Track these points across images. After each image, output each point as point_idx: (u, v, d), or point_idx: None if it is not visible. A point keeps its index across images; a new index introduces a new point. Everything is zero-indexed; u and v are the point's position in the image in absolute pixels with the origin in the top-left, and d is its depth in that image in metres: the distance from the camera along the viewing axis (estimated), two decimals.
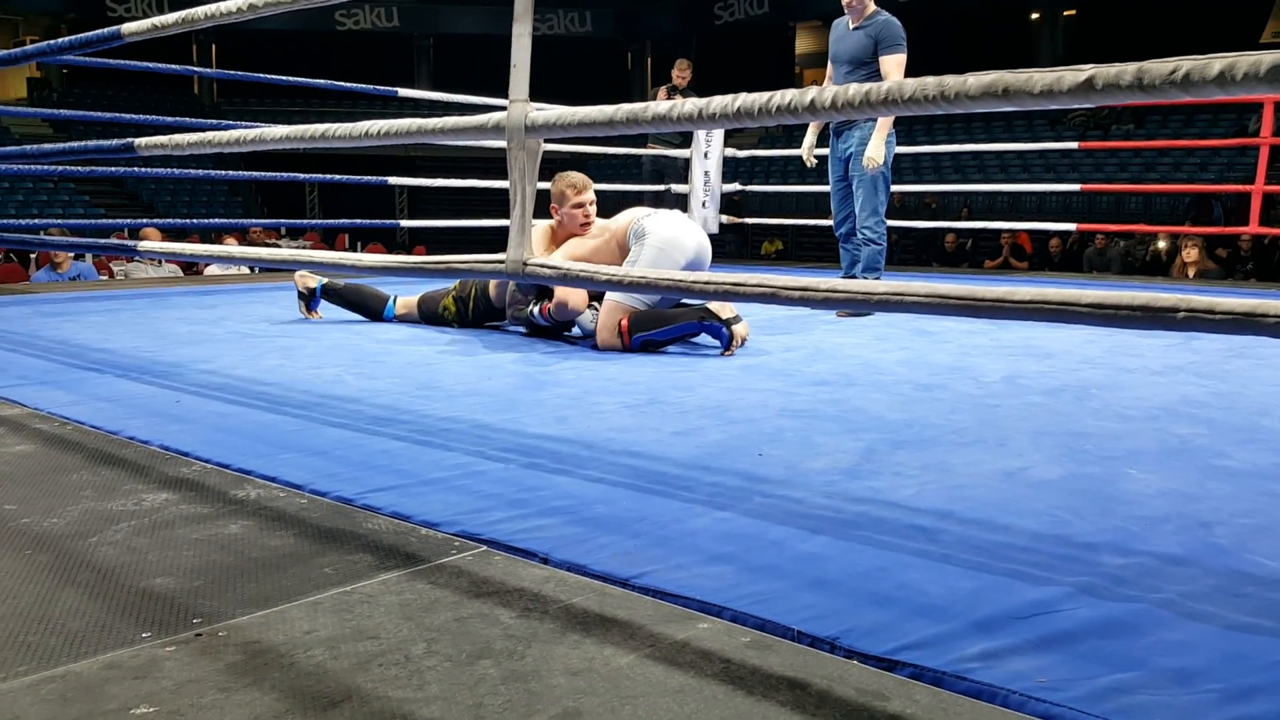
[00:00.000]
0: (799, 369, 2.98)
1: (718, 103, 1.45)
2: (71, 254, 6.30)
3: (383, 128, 1.86)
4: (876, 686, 1.04)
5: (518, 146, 1.69)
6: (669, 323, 3.23)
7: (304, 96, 21.21)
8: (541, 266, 1.70)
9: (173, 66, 5.08)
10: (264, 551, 1.41)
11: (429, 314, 3.90)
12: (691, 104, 1.47)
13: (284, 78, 5.70)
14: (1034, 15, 20.40)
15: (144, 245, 2.62)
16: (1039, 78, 1.16)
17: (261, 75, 5.68)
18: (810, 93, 1.34)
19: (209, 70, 6.07)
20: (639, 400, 2.49)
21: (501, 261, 1.74)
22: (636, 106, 1.56)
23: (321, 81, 5.56)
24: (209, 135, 2.20)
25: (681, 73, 7.73)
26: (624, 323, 3.23)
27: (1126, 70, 1.13)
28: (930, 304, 1.26)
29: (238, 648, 1.11)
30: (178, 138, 2.27)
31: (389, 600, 1.23)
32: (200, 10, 2.19)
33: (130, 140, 2.43)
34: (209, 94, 23.08)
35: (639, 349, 3.24)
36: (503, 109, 1.71)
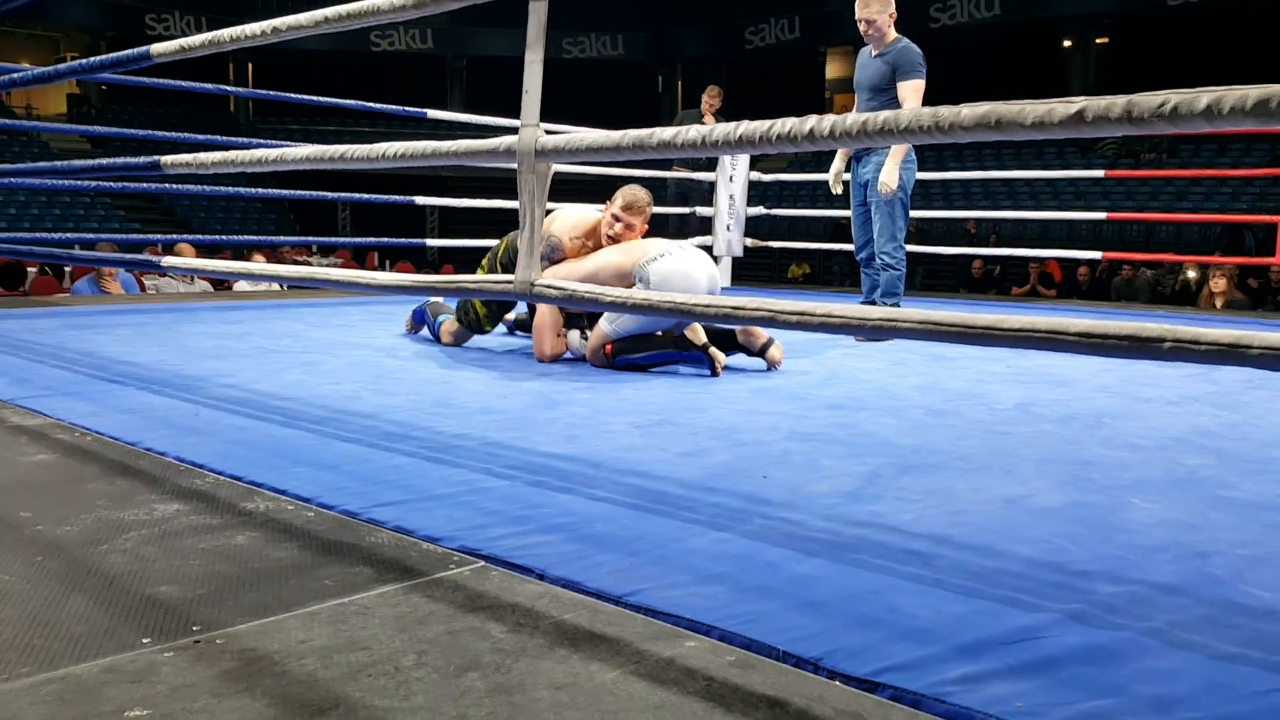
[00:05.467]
0: (813, 392, 2.99)
1: (721, 130, 1.47)
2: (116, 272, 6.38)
3: (398, 150, 1.90)
4: (855, 707, 1.05)
5: (528, 170, 1.72)
6: (648, 349, 3.33)
7: (339, 117, 21.50)
8: (548, 287, 1.73)
9: (204, 85, 5.18)
10: (267, 562, 1.44)
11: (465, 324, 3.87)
12: (696, 131, 1.50)
13: (314, 98, 5.79)
14: (1066, 43, 20.38)
15: (167, 261, 2.68)
16: (1030, 109, 1.18)
17: (292, 95, 5.78)
18: (809, 121, 1.37)
19: (241, 89, 6.19)
20: (650, 420, 2.51)
21: (510, 281, 1.77)
22: (643, 132, 1.59)
23: (350, 102, 5.64)
24: (232, 155, 2.25)
25: (711, 100, 7.77)
26: (608, 348, 3.37)
27: (1116, 103, 1.14)
28: (923, 330, 1.28)
29: (233, 655, 1.14)
30: (202, 156, 2.32)
31: (384, 612, 1.26)
32: (226, 33, 2.25)
33: (157, 158, 2.49)
34: (245, 113, 23.41)
35: (625, 368, 3.34)
36: None
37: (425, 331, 4.12)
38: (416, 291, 1.99)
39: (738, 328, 3.46)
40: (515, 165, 1.73)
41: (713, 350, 3.25)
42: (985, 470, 2.06)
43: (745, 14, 22.83)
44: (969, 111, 1.21)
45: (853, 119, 1.32)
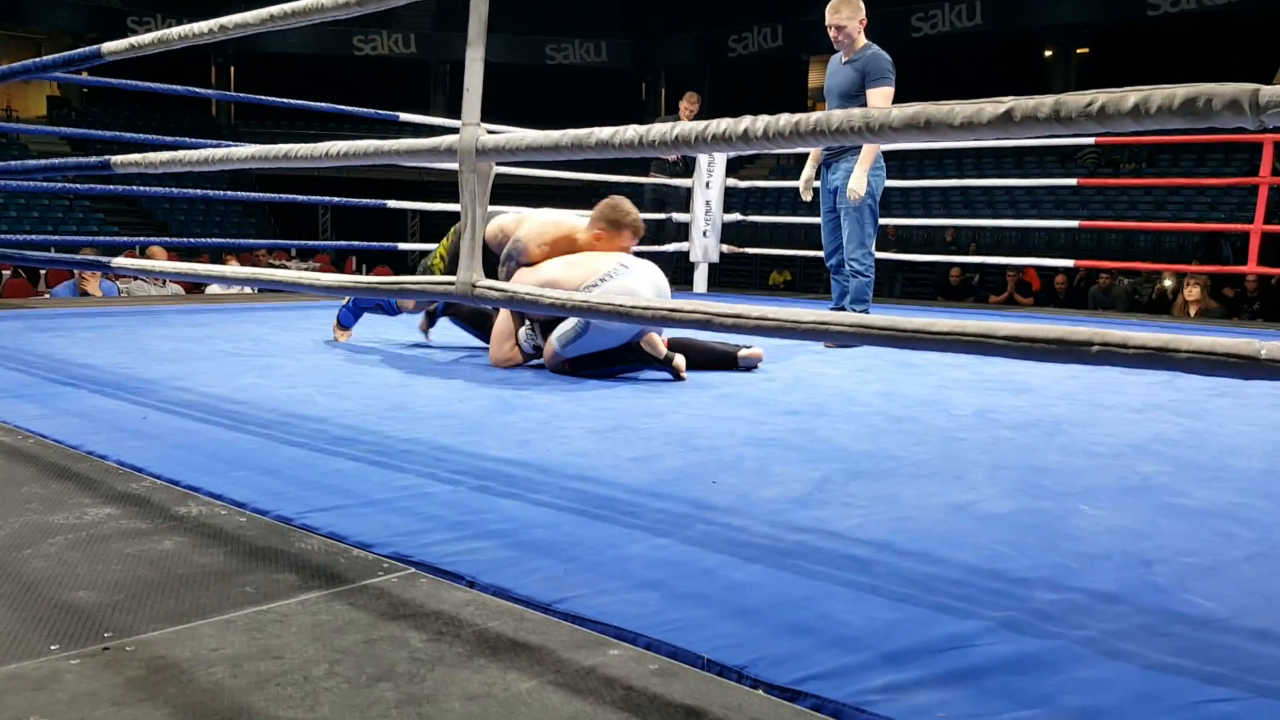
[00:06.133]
0: (774, 398, 2.97)
1: (657, 130, 1.46)
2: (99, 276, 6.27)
3: (341, 149, 1.88)
4: (775, 716, 1.03)
5: (469, 169, 1.69)
6: (607, 365, 3.28)
7: (320, 120, 21.41)
8: (489, 289, 1.70)
9: (175, 87, 5.14)
10: (191, 568, 1.41)
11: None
12: (633, 130, 1.48)
13: (286, 100, 5.77)
14: (1048, 53, 20.49)
15: (117, 262, 2.65)
16: (959, 110, 1.17)
17: (265, 97, 5.76)
18: (744, 122, 1.35)
19: (215, 92, 6.15)
20: (605, 426, 2.49)
21: (452, 283, 1.75)
22: (581, 132, 1.56)
23: (321, 105, 5.62)
24: (180, 154, 2.22)
25: (689, 106, 7.76)
26: (566, 365, 3.29)
27: (1044, 103, 1.13)
28: (854, 333, 1.26)
29: (141, 662, 1.11)
30: (150, 156, 2.29)
31: (302, 620, 1.23)
32: (175, 31, 2.22)
33: (107, 158, 2.46)
34: (226, 115, 23.30)
35: (588, 376, 3.28)
36: None
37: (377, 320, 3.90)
38: (359, 292, 1.97)
39: (741, 352, 3.44)
40: (456, 165, 1.71)
41: (676, 362, 3.22)
42: (936, 476, 2.04)
43: (729, 22, 22.92)
44: (898, 112, 1.19)
45: (786, 120, 1.30)
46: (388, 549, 1.49)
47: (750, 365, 3.48)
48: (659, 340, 3.24)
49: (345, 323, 4.01)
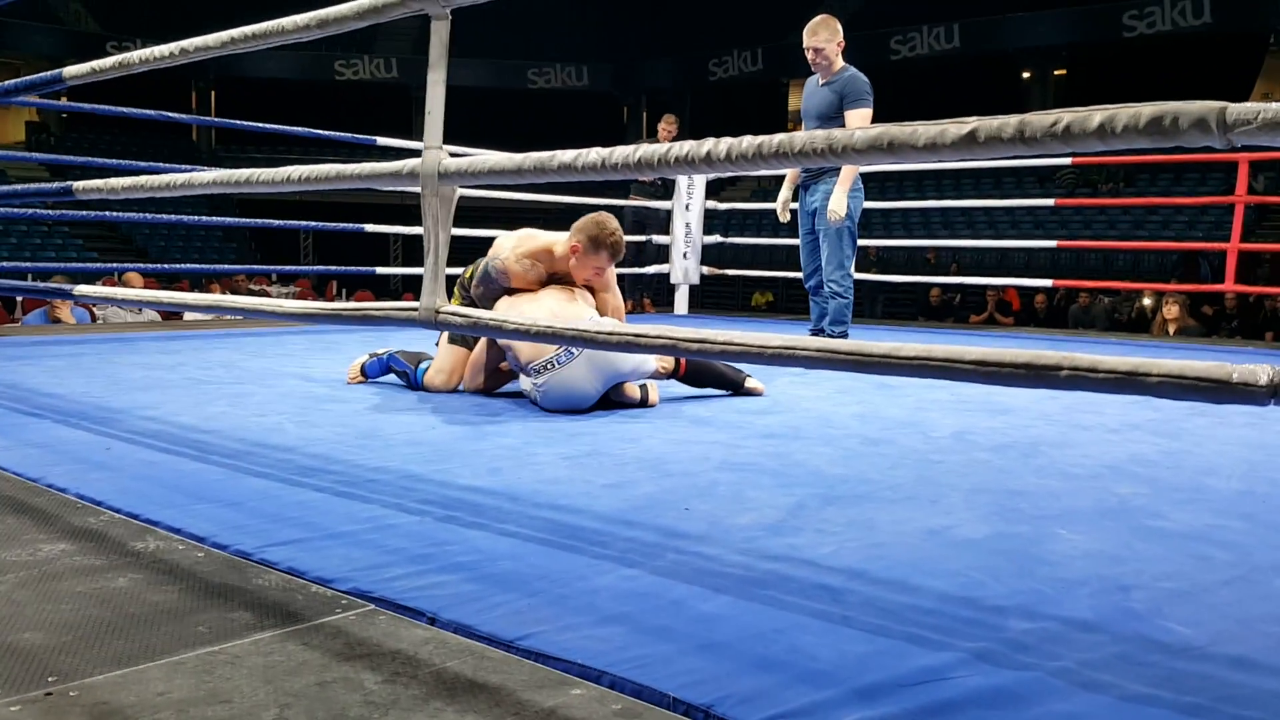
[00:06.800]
0: (750, 421, 2.94)
1: (620, 153, 1.43)
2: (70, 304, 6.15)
3: (303, 173, 1.85)
4: None
5: (431, 193, 1.67)
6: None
7: (301, 145, 21.39)
8: (453, 315, 1.67)
9: (147, 112, 5.10)
10: (144, 607, 1.36)
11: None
12: (596, 154, 1.46)
13: (265, 125, 5.74)
14: (1025, 74, 20.66)
15: (78, 289, 2.60)
16: (923, 131, 1.14)
17: (243, 122, 5.74)
18: (707, 145, 1.32)
19: (189, 116, 6.12)
20: (579, 452, 2.45)
21: (415, 309, 1.72)
22: (543, 155, 1.54)
23: (299, 129, 5.59)
24: (142, 179, 2.19)
25: (668, 128, 7.78)
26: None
27: (1009, 123, 1.11)
28: (820, 359, 1.23)
29: (84, 708, 1.07)
30: (113, 181, 2.26)
31: (254, 662, 1.19)
32: (136, 54, 2.19)
33: (69, 184, 2.42)
34: (207, 141, 23.25)
35: None
36: None
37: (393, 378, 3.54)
38: (321, 320, 1.93)
39: (747, 382, 3.39)
40: (419, 189, 1.68)
41: (651, 399, 3.16)
42: (912, 501, 2.01)
43: (709, 46, 23.07)
44: (862, 134, 1.17)
45: (749, 143, 1.28)
46: (347, 584, 1.45)
47: (756, 392, 3.42)
48: (635, 389, 3.15)
49: (369, 373, 3.51)
